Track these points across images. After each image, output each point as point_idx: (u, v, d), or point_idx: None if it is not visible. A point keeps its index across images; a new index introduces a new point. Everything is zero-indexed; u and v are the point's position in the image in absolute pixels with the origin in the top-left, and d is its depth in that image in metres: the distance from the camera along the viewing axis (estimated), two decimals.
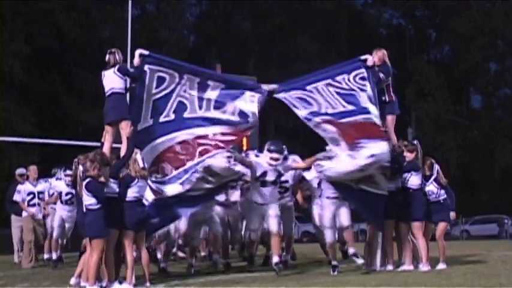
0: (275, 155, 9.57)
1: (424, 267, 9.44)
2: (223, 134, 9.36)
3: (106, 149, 8.85)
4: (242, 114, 9.44)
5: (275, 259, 9.39)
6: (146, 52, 9.30)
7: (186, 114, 9.31)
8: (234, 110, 9.41)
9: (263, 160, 9.66)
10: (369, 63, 9.76)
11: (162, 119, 9.24)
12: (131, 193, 8.31)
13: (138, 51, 9.32)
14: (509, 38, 43.65)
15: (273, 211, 9.64)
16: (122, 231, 8.21)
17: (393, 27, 48.41)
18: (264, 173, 9.64)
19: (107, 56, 9.14)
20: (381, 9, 47.59)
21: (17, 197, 12.78)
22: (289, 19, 39.16)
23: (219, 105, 9.39)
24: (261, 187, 9.66)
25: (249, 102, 9.46)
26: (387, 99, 9.99)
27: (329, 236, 9.50)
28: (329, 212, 9.47)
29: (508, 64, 45.50)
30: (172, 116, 9.27)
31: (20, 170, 13.37)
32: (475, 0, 43.42)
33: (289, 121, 35.36)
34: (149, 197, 8.93)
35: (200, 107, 9.35)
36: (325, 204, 9.54)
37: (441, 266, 9.63)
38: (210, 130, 9.33)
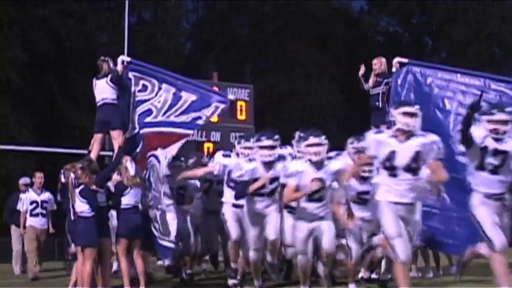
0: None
1: (429, 274, 9.49)
2: (170, 133, 8.88)
3: (92, 157, 8.82)
4: (195, 119, 8.95)
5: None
6: (128, 59, 9.32)
7: (148, 119, 9.03)
8: (190, 116, 8.95)
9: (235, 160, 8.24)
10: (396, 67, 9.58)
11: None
12: (125, 201, 8.27)
13: (120, 58, 9.30)
14: (506, 45, 43.72)
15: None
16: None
17: (390, 34, 48.43)
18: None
19: (99, 63, 9.12)
20: (377, 16, 47.63)
21: (19, 206, 12.16)
22: (286, 24, 39.11)
23: (180, 113, 8.99)
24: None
25: (210, 113, 9.02)
26: (381, 105, 10.18)
27: None
28: None
29: (505, 71, 45.58)
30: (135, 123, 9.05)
31: (24, 180, 12.72)
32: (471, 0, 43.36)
33: (288, 125, 35.25)
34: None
35: (164, 114, 9.01)
36: None
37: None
38: (159, 130, 8.94)
